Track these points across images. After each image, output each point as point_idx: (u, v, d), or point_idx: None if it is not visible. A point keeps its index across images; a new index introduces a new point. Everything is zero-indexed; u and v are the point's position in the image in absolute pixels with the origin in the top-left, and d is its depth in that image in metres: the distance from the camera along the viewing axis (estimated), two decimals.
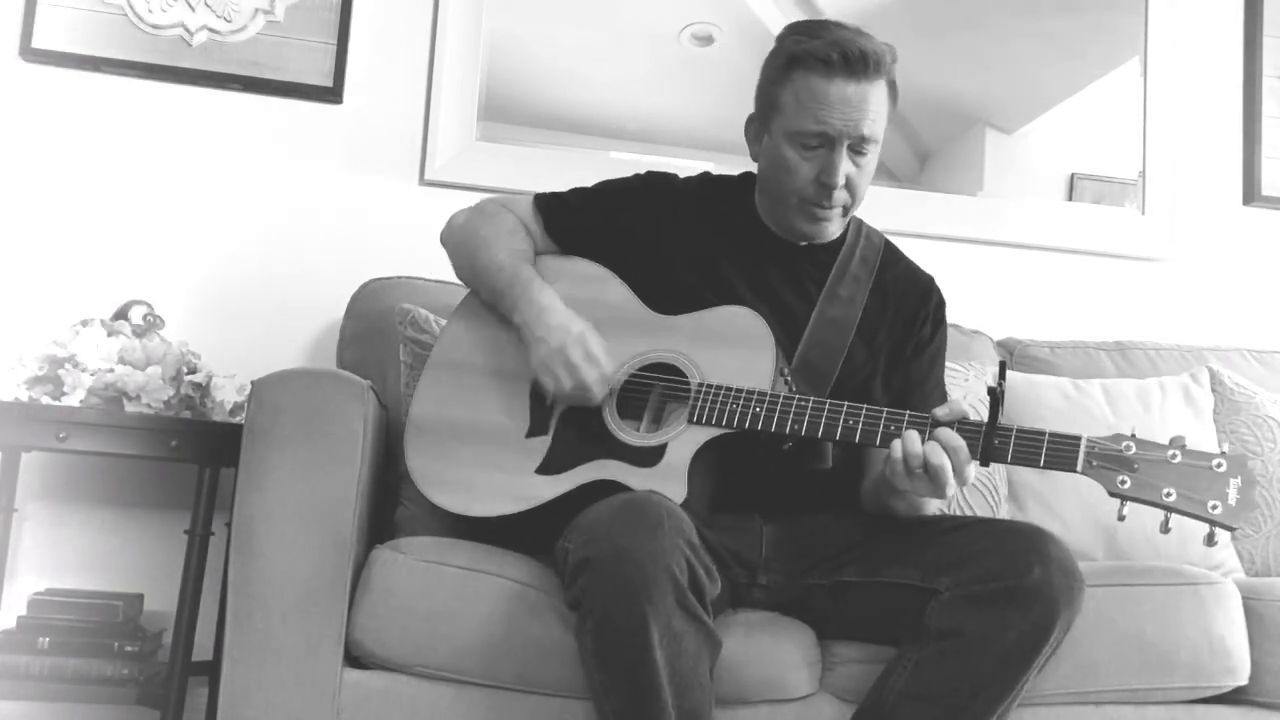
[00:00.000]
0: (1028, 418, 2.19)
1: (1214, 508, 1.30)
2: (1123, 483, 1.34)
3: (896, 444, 1.42)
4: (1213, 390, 2.29)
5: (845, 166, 1.60)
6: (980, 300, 2.57)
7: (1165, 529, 1.33)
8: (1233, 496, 1.30)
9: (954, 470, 1.39)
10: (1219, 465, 1.32)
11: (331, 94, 2.42)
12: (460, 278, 1.83)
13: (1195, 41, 2.77)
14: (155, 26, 2.37)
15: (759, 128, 1.69)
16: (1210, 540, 1.31)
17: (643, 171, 1.82)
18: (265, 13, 2.40)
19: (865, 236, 1.77)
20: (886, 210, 2.55)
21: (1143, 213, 2.69)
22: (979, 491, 2.12)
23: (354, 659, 1.53)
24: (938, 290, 1.79)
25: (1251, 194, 2.75)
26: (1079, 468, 1.36)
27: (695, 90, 2.57)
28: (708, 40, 2.57)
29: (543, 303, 1.65)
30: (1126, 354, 2.44)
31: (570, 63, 2.54)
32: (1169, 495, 1.32)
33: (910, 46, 2.62)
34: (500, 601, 1.50)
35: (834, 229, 1.70)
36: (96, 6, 2.34)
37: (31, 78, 2.34)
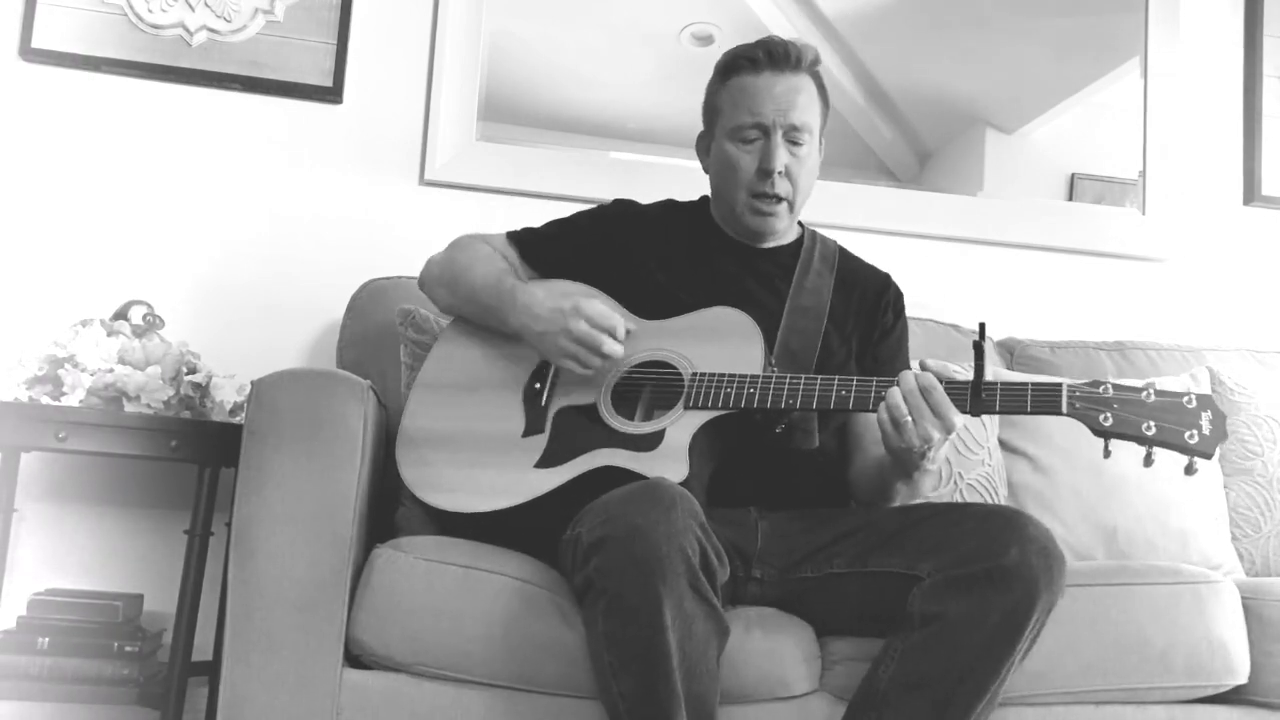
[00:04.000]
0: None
1: (1191, 437, 1.37)
2: (1105, 420, 1.40)
3: (882, 406, 1.48)
4: (1213, 390, 2.29)
5: (782, 154, 1.73)
6: (980, 300, 2.57)
7: (1148, 462, 1.39)
8: (1205, 426, 1.38)
9: (932, 408, 1.45)
10: (1189, 401, 1.39)
11: (331, 94, 2.42)
12: (446, 310, 1.88)
13: (1195, 41, 2.77)
14: (155, 26, 2.37)
15: (706, 140, 1.84)
16: (1190, 469, 1.37)
17: (609, 201, 1.91)
18: (265, 12, 2.40)
19: (820, 242, 1.88)
20: (887, 210, 2.56)
21: (1143, 213, 2.69)
22: (979, 492, 2.12)
23: (354, 658, 1.53)
24: (895, 284, 1.89)
25: (1251, 194, 2.75)
26: (1064, 409, 1.42)
27: (695, 90, 2.56)
28: (708, 40, 2.57)
29: (526, 300, 1.70)
30: (1127, 354, 2.45)
31: (570, 63, 2.54)
32: (1149, 429, 1.39)
33: (910, 46, 2.64)
34: (501, 600, 1.50)
35: (781, 224, 1.79)
36: (96, 6, 2.34)
37: (31, 78, 2.34)
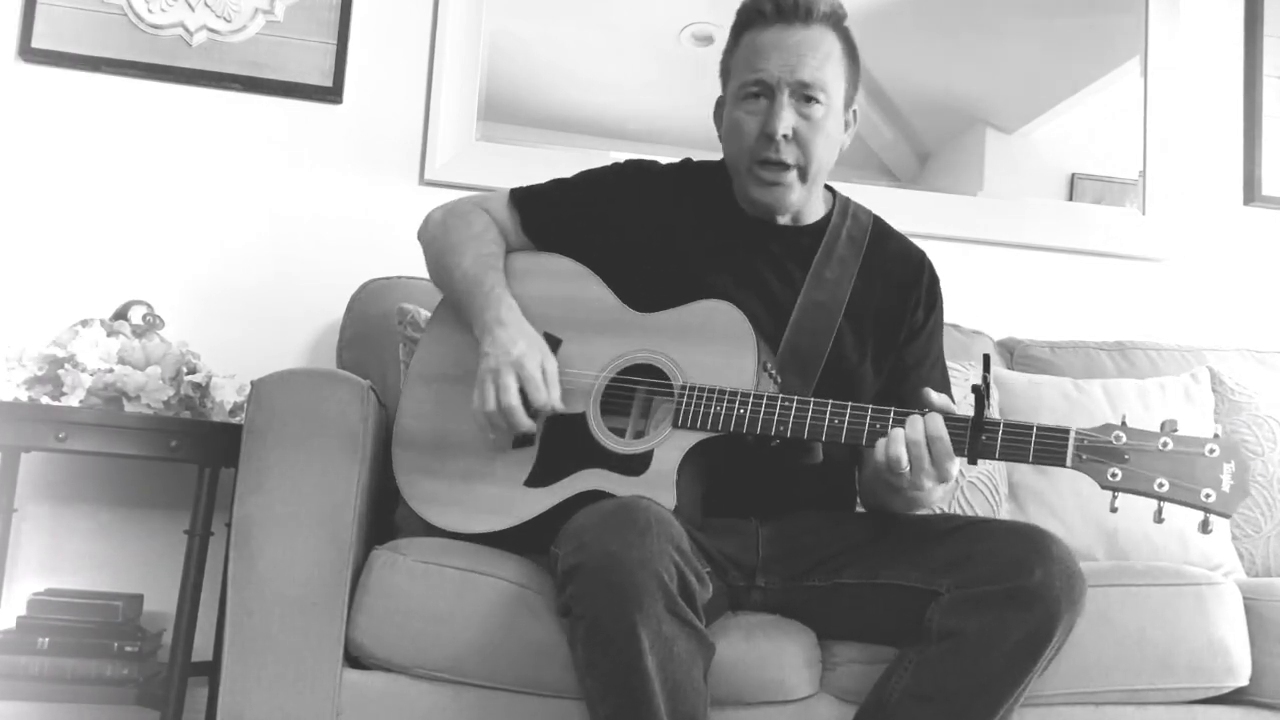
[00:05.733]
0: (1028, 417, 2.19)
1: (1208, 495, 1.28)
2: (1113, 475, 1.32)
3: (881, 443, 1.40)
4: (1213, 390, 2.29)
5: (789, 116, 1.57)
6: (980, 300, 2.57)
7: (1159, 518, 1.30)
8: (1226, 482, 1.27)
9: (933, 460, 1.37)
10: (1211, 451, 1.29)
11: (331, 94, 2.42)
12: (431, 279, 1.81)
13: (1195, 41, 2.77)
14: (155, 26, 2.37)
15: (721, 107, 1.70)
16: (1205, 527, 1.29)
17: (622, 160, 1.80)
18: (265, 13, 2.40)
19: (852, 215, 1.72)
20: (886, 210, 2.53)
21: (1143, 213, 2.69)
22: (979, 491, 2.12)
23: (353, 659, 1.53)
24: (930, 268, 1.75)
25: (1251, 194, 2.75)
26: (1068, 462, 1.34)
27: (695, 90, 2.55)
28: (708, 40, 2.57)
29: (498, 315, 1.60)
30: (1127, 354, 2.44)
31: (570, 63, 2.54)
32: (1161, 485, 1.30)
33: (911, 46, 2.63)
34: (499, 603, 1.50)
35: (793, 196, 1.63)
36: (96, 6, 2.34)
37: (31, 78, 2.34)
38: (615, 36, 2.56)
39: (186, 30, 2.37)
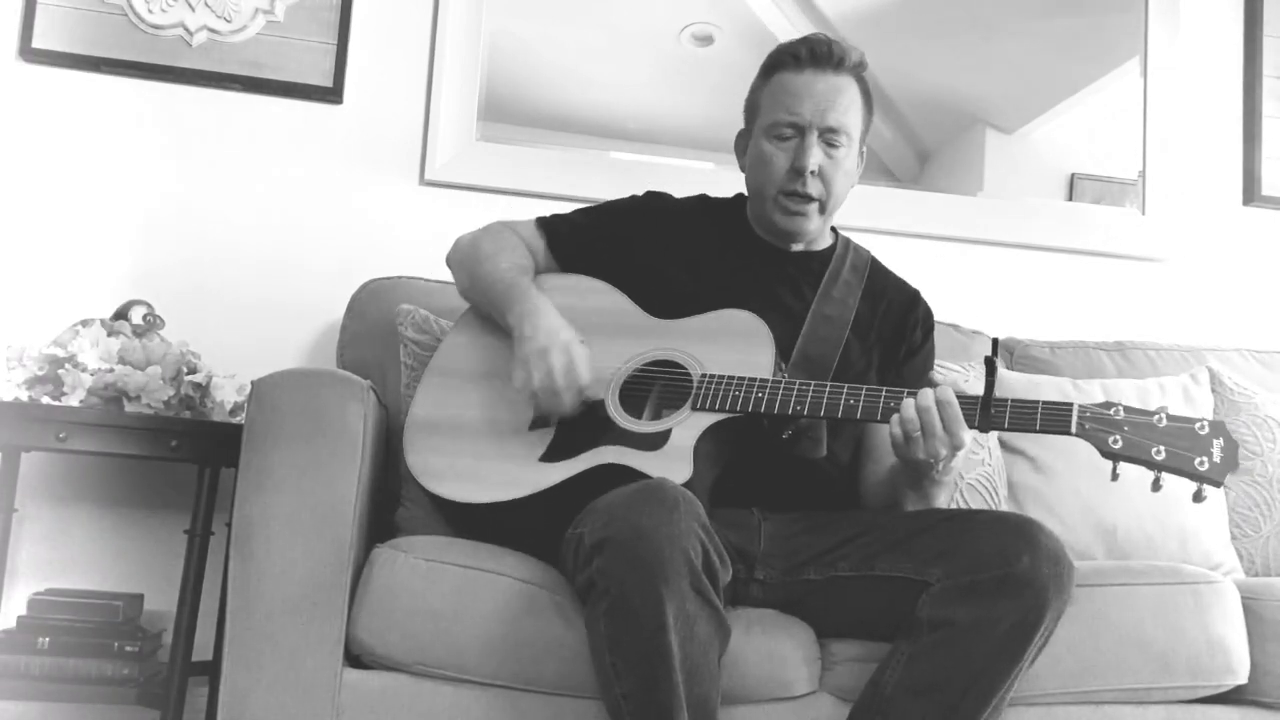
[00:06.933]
0: None
1: (1201, 464, 1.37)
2: (1115, 443, 1.40)
3: (896, 418, 1.47)
4: (1213, 390, 2.29)
5: (816, 154, 1.71)
6: (980, 300, 2.57)
7: (1157, 487, 1.38)
8: (1217, 454, 1.37)
9: (945, 424, 1.44)
10: (1201, 428, 1.39)
11: (331, 94, 2.42)
12: (462, 294, 1.87)
13: (1195, 41, 2.77)
14: (155, 26, 2.37)
15: (745, 138, 1.82)
16: (1198, 496, 1.37)
17: (641, 193, 1.90)
18: (265, 13, 2.40)
19: (854, 250, 1.86)
20: (887, 210, 2.56)
21: (1143, 213, 2.69)
22: (978, 492, 2.12)
23: (354, 658, 1.53)
24: (924, 301, 1.87)
25: (1251, 194, 2.75)
26: (1073, 430, 1.41)
27: (695, 90, 2.57)
28: (708, 40, 2.57)
29: (535, 305, 1.69)
30: (1126, 354, 2.45)
31: (570, 63, 2.54)
32: (1159, 453, 1.38)
33: (910, 46, 2.63)
34: (501, 600, 1.50)
35: (812, 226, 1.76)
36: (96, 6, 2.34)
37: (31, 78, 2.34)
38: (615, 36, 2.56)
39: (186, 30, 2.38)
